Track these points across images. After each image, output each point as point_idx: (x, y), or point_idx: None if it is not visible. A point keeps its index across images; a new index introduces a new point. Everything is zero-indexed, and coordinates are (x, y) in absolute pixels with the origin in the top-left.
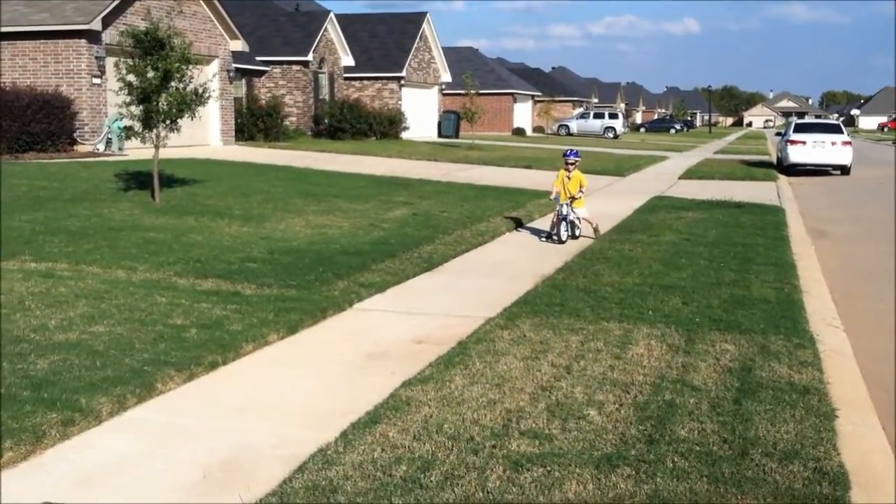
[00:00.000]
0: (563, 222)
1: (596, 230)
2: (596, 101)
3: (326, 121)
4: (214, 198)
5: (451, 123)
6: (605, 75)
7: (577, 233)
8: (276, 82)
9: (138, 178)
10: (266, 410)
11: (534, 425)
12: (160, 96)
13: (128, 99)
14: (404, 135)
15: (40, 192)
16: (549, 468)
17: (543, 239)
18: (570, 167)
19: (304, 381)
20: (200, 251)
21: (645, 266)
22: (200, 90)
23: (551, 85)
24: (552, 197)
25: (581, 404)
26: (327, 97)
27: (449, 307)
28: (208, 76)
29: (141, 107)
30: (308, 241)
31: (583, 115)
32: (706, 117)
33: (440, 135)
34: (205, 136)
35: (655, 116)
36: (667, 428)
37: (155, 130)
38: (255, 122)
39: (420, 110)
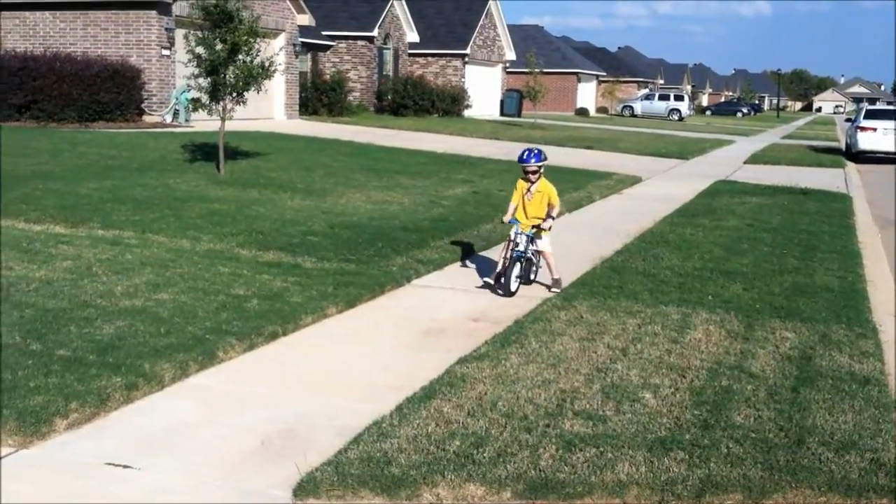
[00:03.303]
0: (518, 263)
1: (556, 283)
2: (661, 82)
3: (389, 97)
4: (277, 171)
5: (513, 102)
6: (671, 56)
7: (532, 276)
8: (340, 57)
9: (204, 150)
10: (323, 382)
11: (588, 406)
12: (228, 69)
13: (196, 71)
14: (466, 113)
15: (109, 160)
16: (601, 449)
17: (482, 287)
18: (532, 176)
19: (361, 354)
20: (263, 223)
21: (706, 251)
22: (267, 64)
23: (616, 65)
24: (507, 218)
25: (636, 387)
26: (391, 73)
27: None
28: (275, 50)
29: (209, 79)
30: (368, 217)
31: (647, 97)
32: (774, 101)
33: (502, 113)
34: (269, 109)
35: (722, 99)
36: (722, 414)
37: (222, 103)
38: (319, 97)
39: (483, 88)
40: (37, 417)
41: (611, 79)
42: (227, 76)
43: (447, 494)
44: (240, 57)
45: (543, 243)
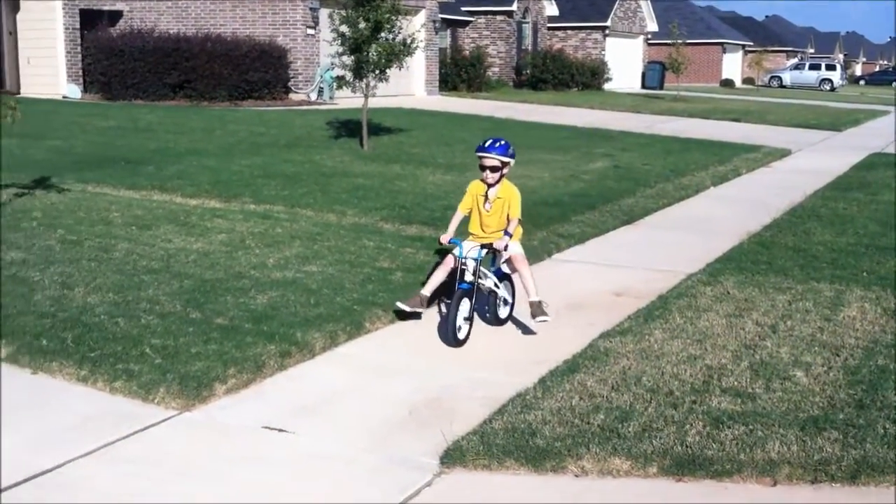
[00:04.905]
0: (465, 299)
1: (537, 308)
2: (812, 51)
3: (528, 71)
4: (419, 146)
5: (655, 74)
6: (822, 24)
7: (503, 311)
8: (479, 32)
9: (348, 126)
10: (465, 354)
11: (736, 383)
12: (370, 47)
13: (340, 49)
14: (607, 86)
15: (258, 137)
16: (751, 427)
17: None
18: (491, 176)
19: (503, 327)
20: (405, 198)
21: (860, 226)
22: (408, 41)
23: (763, 34)
24: (446, 238)
25: (787, 365)
26: (530, 47)
27: (649, 261)
28: (416, 27)
29: (352, 57)
30: None
31: (797, 66)
32: None
33: (644, 86)
34: (410, 86)
35: (877, 69)
36: (879, 393)
37: (365, 80)
38: (458, 73)
39: (624, 61)
40: (198, 382)
41: (758, 49)
42: (370, 54)
43: (592, 467)
44: (382, 34)
45: (514, 247)
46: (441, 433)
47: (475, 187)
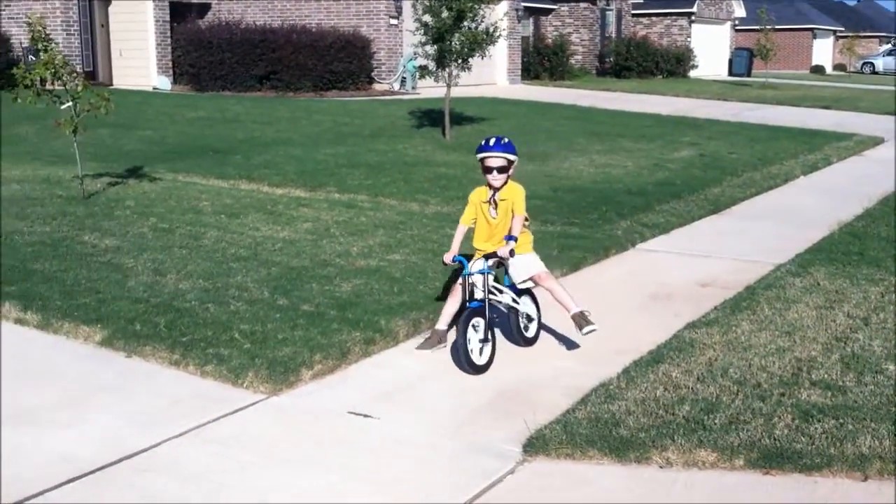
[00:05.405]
0: (478, 317)
1: (581, 318)
2: None
3: (612, 59)
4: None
5: (742, 61)
6: None
7: (529, 329)
8: (562, 20)
9: (430, 116)
10: (548, 343)
11: (826, 376)
12: (453, 36)
13: (423, 39)
14: (692, 73)
15: (342, 127)
16: (841, 420)
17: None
18: (498, 177)
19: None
20: None
21: None
22: (491, 29)
23: (855, 19)
24: (449, 258)
25: (879, 358)
26: (613, 35)
27: (736, 251)
28: (499, 15)
29: (435, 46)
30: (591, 180)
31: (891, 52)
32: None
33: (731, 73)
34: (492, 74)
35: None
36: None
37: (447, 69)
38: (540, 61)
39: (710, 47)
40: (285, 367)
41: (849, 34)
42: (453, 43)
43: (677, 458)
44: (465, 23)
45: (531, 264)
46: (524, 421)
47: (476, 195)
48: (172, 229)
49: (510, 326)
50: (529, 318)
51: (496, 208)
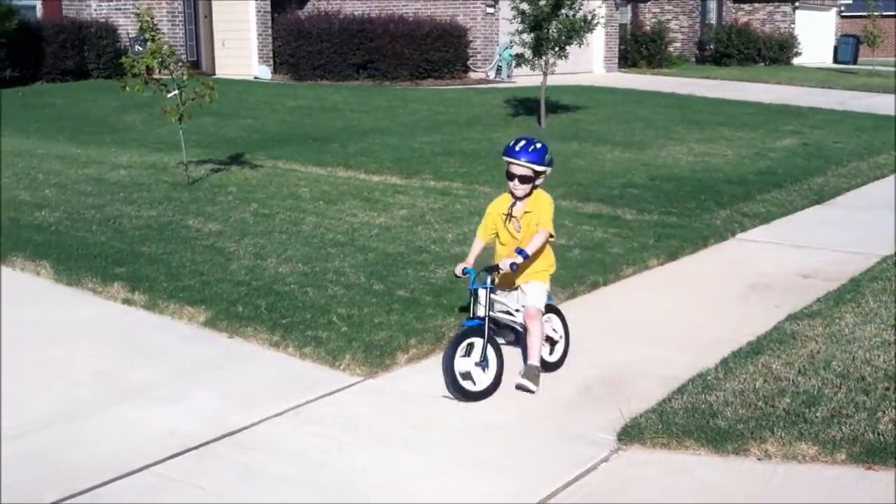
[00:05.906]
0: (475, 336)
1: (529, 372)
2: None
3: (712, 46)
4: (596, 124)
5: (848, 48)
6: None
7: (555, 355)
8: (661, 7)
9: (525, 104)
10: (644, 332)
11: None
12: (550, 24)
13: (520, 27)
14: (795, 61)
15: (438, 116)
16: None
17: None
18: (520, 186)
19: (683, 306)
20: (583, 175)
21: None
22: (588, 17)
23: None
24: (460, 269)
25: None
26: (713, 22)
27: (840, 242)
28: (597, 3)
29: (532, 34)
30: (690, 169)
31: None
32: None
33: (836, 60)
34: (588, 62)
35: None
36: None
37: (544, 58)
38: (638, 49)
39: (814, 34)
40: (381, 351)
41: None
42: (550, 31)
43: (776, 451)
44: (562, 11)
45: (531, 294)
46: (619, 410)
47: (496, 206)
48: (273, 215)
49: (520, 344)
50: (553, 342)
51: (518, 222)
